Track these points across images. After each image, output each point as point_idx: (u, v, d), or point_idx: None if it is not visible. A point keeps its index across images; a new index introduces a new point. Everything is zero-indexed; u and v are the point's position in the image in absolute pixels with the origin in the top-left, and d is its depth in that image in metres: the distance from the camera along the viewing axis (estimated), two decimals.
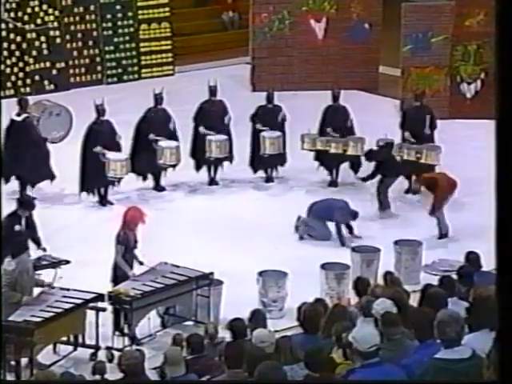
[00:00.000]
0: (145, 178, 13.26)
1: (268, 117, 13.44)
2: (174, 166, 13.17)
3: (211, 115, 13.35)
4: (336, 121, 13.46)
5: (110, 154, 12.57)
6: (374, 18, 17.65)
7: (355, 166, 13.41)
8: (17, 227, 10.08)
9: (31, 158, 12.48)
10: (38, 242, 10.24)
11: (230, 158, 13.43)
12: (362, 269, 10.60)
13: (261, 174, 13.72)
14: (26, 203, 10.24)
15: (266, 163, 13.48)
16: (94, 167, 12.53)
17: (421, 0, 17.21)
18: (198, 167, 13.55)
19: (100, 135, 12.62)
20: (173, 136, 13.16)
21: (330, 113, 13.53)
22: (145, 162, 13.05)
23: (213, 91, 13.57)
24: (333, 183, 13.48)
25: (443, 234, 11.80)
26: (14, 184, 12.68)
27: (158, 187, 13.30)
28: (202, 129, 13.29)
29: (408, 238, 11.17)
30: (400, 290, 7.90)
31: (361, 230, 11.93)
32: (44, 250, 10.20)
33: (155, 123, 13.04)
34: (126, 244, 9.84)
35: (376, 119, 13.80)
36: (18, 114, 12.70)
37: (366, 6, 17.56)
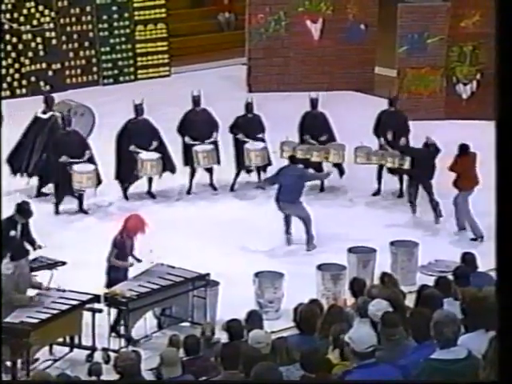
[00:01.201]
0: (126, 189, 13.00)
1: (248, 127, 13.22)
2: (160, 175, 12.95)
3: (196, 125, 13.18)
4: (315, 128, 13.27)
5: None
6: (370, 18, 17.66)
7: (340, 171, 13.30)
8: (12, 232, 10.08)
9: None
10: (32, 243, 10.25)
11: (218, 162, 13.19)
12: (359, 269, 10.61)
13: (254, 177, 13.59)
14: (24, 210, 10.24)
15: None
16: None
17: (417, 1, 17.24)
18: (192, 176, 13.32)
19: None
20: (157, 147, 12.90)
21: (308, 120, 13.35)
22: (127, 173, 12.85)
23: (196, 101, 13.38)
24: (322, 189, 13.32)
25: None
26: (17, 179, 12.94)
27: (150, 194, 13.15)
28: (187, 139, 13.11)
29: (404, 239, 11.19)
30: (396, 290, 7.91)
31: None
32: (40, 247, 10.22)
33: (136, 134, 12.85)
34: (120, 248, 9.85)
35: (372, 120, 13.77)
36: (44, 112, 13.07)
37: (361, 7, 17.57)
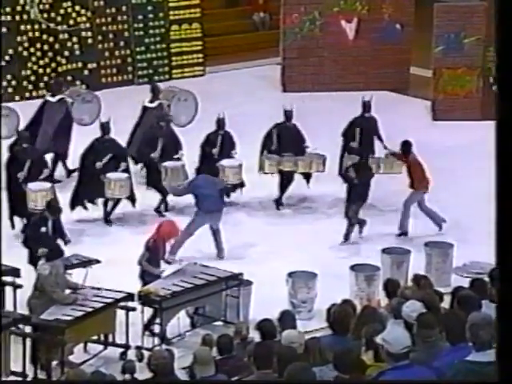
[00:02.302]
0: (86, 207, 12.24)
1: (221, 144, 12.55)
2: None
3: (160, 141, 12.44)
4: (289, 140, 12.78)
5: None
6: (406, 18, 17.56)
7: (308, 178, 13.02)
8: (43, 229, 10.17)
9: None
10: (64, 239, 10.34)
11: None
12: (392, 270, 10.55)
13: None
14: (53, 207, 10.33)
15: (227, 192, 12.50)
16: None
17: (453, 0, 17.10)
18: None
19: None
20: (124, 166, 12.20)
21: (283, 132, 12.81)
22: (90, 193, 12.15)
23: (162, 116, 12.88)
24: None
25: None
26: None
27: (107, 220, 12.33)
28: (154, 154, 12.42)
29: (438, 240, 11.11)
30: (430, 292, 7.85)
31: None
32: (68, 241, 10.37)
33: (102, 154, 12.15)
34: (152, 252, 9.92)
35: (406, 120, 13.72)
36: (151, 101, 13.70)
37: (397, 7, 17.48)
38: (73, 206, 12.15)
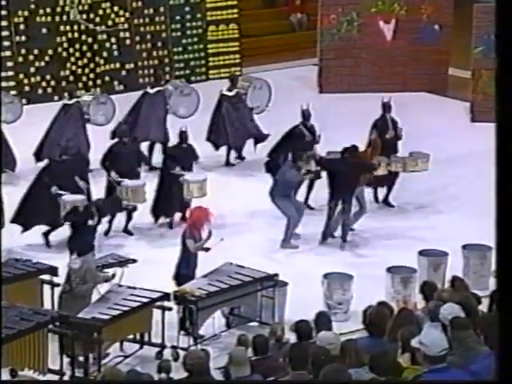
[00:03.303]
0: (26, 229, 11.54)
1: (183, 157, 12.19)
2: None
3: (122, 158, 11.91)
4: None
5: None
6: (445, 19, 17.43)
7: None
8: (90, 222, 10.31)
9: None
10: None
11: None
12: (429, 273, 10.47)
13: None
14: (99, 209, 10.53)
15: (182, 207, 11.95)
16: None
17: (493, 1, 16.93)
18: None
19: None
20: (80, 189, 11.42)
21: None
22: (42, 213, 11.42)
23: (122, 132, 12.40)
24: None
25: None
26: None
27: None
28: (113, 174, 11.76)
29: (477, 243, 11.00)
30: (468, 294, 7.78)
31: None
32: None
33: (59, 176, 11.50)
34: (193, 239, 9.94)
35: (444, 122, 13.62)
36: (229, 90, 14.27)
37: (436, 7, 17.35)
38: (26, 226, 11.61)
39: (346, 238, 11.68)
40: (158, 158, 13.34)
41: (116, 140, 12.46)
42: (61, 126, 13.51)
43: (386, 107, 12.96)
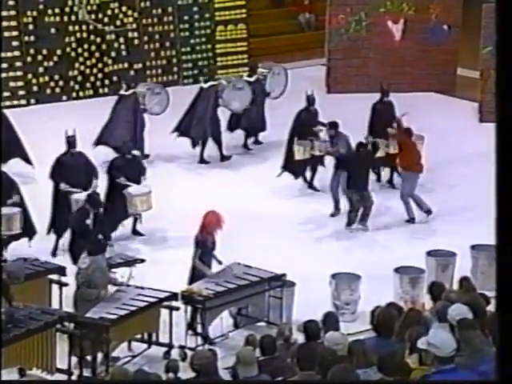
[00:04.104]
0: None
1: (128, 169, 11.74)
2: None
3: (71, 169, 11.48)
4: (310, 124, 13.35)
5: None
6: (454, 19, 17.39)
7: None
8: (87, 221, 10.27)
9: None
10: (105, 234, 10.40)
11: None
12: (437, 273, 10.45)
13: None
14: (93, 201, 10.40)
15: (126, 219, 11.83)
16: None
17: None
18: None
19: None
20: (17, 202, 11.08)
21: (305, 116, 13.45)
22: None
23: (71, 142, 11.66)
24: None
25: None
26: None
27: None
28: (63, 185, 11.35)
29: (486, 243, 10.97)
30: (476, 295, 7.76)
31: None
32: (111, 246, 10.36)
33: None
34: (203, 247, 9.92)
35: (452, 122, 13.58)
36: (249, 75, 15.14)
37: (445, 7, 17.31)
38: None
39: (367, 223, 12.13)
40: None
41: (64, 151, 11.66)
42: (118, 116, 13.92)
43: (385, 92, 13.61)
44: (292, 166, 13.30)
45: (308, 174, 13.41)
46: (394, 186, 13.26)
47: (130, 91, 14.23)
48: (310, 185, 13.36)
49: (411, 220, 12.31)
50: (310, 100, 13.51)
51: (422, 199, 12.31)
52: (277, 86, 15.21)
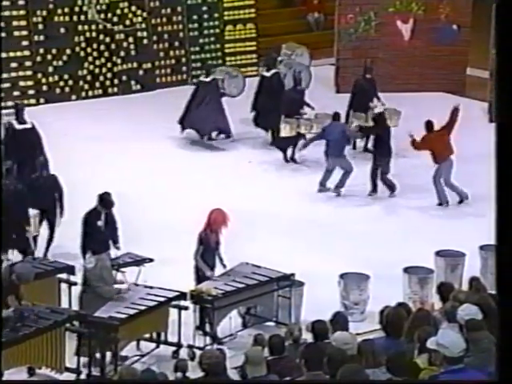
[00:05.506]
0: None
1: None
2: None
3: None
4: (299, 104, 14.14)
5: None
6: (463, 19, 17.36)
7: None
8: (99, 223, 10.27)
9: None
10: (115, 240, 10.38)
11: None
12: (446, 273, 10.43)
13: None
14: (105, 201, 10.40)
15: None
16: None
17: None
18: None
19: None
20: None
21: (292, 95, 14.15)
22: None
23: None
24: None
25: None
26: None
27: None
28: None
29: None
30: (486, 295, 7.74)
31: None
32: (118, 248, 10.34)
33: None
34: (206, 244, 9.91)
35: (462, 122, 13.51)
36: (268, 69, 15.16)
37: (454, 7, 17.28)
38: None
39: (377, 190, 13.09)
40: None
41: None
42: (199, 101, 14.65)
43: (367, 69, 14.61)
44: (278, 141, 14.16)
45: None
46: (370, 151, 13.77)
47: (210, 77, 15.03)
48: (292, 158, 14.08)
49: (445, 203, 12.74)
50: (297, 80, 14.32)
51: (458, 187, 12.76)
52: (299, 67, 16.00)
